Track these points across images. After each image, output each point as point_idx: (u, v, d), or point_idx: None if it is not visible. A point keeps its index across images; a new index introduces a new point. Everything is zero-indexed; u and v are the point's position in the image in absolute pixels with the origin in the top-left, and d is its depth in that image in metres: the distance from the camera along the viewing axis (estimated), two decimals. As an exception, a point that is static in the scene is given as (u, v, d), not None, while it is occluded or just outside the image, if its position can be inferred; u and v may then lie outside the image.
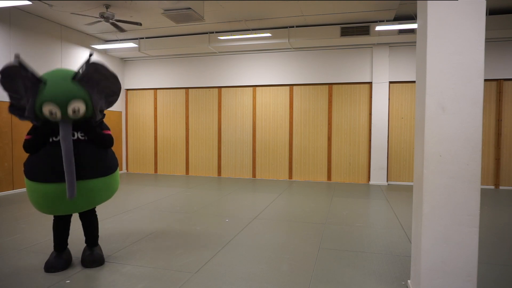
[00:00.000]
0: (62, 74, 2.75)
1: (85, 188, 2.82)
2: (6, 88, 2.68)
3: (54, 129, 2.81)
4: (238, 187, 7.37)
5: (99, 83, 2.84)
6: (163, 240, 3.83)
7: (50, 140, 2.81)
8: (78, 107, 2.72)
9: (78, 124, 2.86)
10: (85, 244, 3.26)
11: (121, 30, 6.75)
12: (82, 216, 3.15)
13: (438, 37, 2.23)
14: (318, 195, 6.57)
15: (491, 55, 7.28)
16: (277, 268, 3.07)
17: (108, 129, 3.11)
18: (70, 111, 2.70)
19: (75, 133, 2.86)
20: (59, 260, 2.99)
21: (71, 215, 3.10)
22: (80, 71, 2.73)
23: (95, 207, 3.22)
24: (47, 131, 2.80)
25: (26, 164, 2.84)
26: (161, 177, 8.83)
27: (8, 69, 2.61)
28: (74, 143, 2.81)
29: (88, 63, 2.73)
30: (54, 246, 3.06)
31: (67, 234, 3.09)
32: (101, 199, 2.99)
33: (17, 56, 2.60)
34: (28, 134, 2.86)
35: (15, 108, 2.77)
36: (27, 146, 2.82)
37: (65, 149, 2.69)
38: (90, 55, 2.79)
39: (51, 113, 2.68)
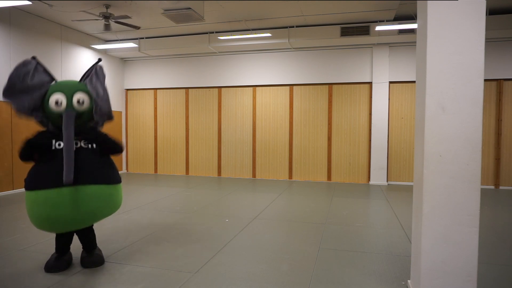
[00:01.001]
0: (70, 80, 3.10)
1: (85, 194, 2.77)
2: (16, 79, 2.81)
3: (56, 136, 2.85)
4: (238, 187, 7.37)
5: (99, 86, 3.06)
6: (163, 240, 3.83)
7: (53, 147, 2.82)
8: (83, 98, 2.89)
9: (84, 133, 2.93)
10: None
11: (108, 28, 6.57)
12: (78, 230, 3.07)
13: (438, 37, 2.23)
14: (318, 195, 6.57)
15: (491, 55, 7.28)
16: (277, 268, 3.07)
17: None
18: (75, 100, 2.85)
19: (78, 142, 2.88)
20: (60, 261, 2.99)
21: None
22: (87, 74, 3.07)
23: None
24: (47, 140, 2.83)
25: (28, 176, 2.81)
26: (161, 177, 8.83)
27: (27, 62, 2.87)
28: (76, 150, 2.83)
29: (93, 66, 3.09)
30: (56, 249, 3.05)
31: (70, 242, 3.08)
32: (101, 212, 2.91)
33: (34, 57, 2.92)
34: (25, 142, 2.87)
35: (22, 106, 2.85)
36: (22, 149, 2.82)
37: (67, 136, 2.74)
38: (99, 60, 3.15)
39: (57, 103, 2.81)
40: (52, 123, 2.89)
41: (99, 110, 2.99)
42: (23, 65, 2.84)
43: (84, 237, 3.10)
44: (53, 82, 2.96)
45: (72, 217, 2.76)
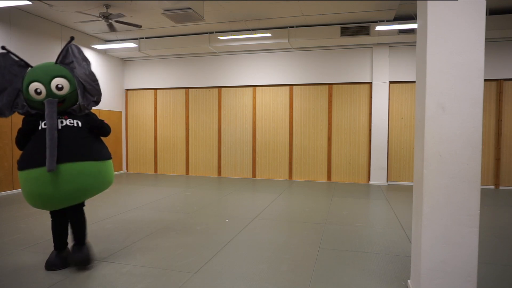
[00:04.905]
0: (46, 62, 3.01)
1: (73, 171, 2.80)
2: None
3: (42, 117, 2.90)
4: (238, 187, 7.37)
5: (77, 64, 2.99)
6: (163, 240, 3.83)
7: (39, 127, 2.88)
8: (61, 84, 2.87)
9: (70, 113, 2.97)
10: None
11: (113, 29, 6.64)
12: (69, 214, 3.07)
13: (438, 37, 2.23)
14: (318, 195, 6.57)
15: (491, 55, 7.28)
16: (277, 268, 3.07)
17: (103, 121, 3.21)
18: (53, 87, 2.84)
19: (64, 120, 2.91)
20: (59, 259, 3.02)
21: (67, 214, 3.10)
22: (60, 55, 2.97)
23: (83, 205, 3.15)
24: (35, 123, 2.88)
25: (20, 157, 2.89)
26: (161, 177, 8.83)
27: None
28: (62, 128, 2.88)
29: (65, 45, 2.99)
30: (54, 245, 3.08)
31: (66, 234, 3.11)
32: (92, 188, 2.92)
33: (3, 47, 2.86)
34: (18, 131, 2.94)
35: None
36: (17, 138, 2.89)
37: (50, 125, 2.76)
38: (71, 39, 3.01)
39: (36, 92, 2.81)
40: (36, 109, 2.90)
41: (86, 97, 3.01)
42: None
43: (74, 221, 3.05)
44: (28, 69, 2.93)
45: (62, 194, 2.79)
